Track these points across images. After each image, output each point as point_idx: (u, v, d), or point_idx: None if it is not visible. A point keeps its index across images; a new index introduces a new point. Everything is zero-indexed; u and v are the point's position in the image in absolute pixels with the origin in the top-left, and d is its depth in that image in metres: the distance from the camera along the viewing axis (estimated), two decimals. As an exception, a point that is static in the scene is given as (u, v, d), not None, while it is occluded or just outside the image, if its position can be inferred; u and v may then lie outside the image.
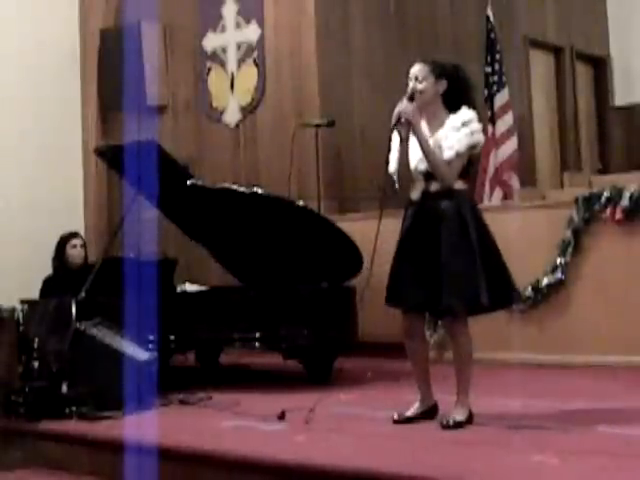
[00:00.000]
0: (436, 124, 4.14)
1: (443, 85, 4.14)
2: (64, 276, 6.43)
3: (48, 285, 6.46)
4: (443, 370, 4.33)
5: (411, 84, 4.13)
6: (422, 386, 4.26)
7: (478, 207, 4.25)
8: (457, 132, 4.06)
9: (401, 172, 4.13)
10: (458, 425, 4.03)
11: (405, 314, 4.19)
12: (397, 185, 4.18)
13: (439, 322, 6.09)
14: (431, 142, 4.08)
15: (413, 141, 4.11)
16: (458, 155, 4.05)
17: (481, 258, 4.05)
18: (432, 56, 4.35)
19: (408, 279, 4.07)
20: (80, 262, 6.62)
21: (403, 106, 4.06)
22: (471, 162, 4.16)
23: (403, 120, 4.04)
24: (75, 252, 6.55)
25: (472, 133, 4.08)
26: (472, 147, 4.10)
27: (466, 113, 4.11)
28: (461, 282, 4.00)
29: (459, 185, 4.11)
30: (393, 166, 4.15)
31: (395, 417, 4.20)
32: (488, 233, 4.18)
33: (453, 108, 4.14)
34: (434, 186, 4.10)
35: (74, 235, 6.74)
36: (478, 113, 4.15)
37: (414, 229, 4.11)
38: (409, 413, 4.22)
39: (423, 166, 4.10)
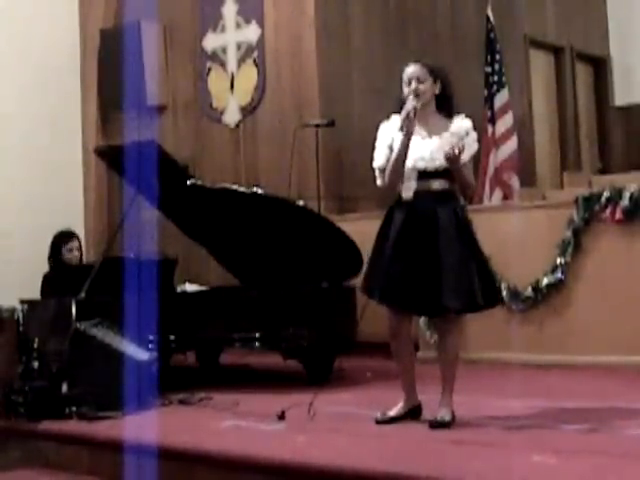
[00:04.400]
0: (431, 126, 4.17)
1: (438, 87, 4.19)
2: (63, 273, 6.41)
3: (48, 281, 6.44)
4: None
5: (413, 84, 4.14)
6: (406, 386, 4.29)
7: (466, 208, 4.31)
8: (461, 142, 4.09)
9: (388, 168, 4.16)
10: (447, 425, 4.05)
11: (393, 314, 4.21)
12: (381, 182, 4.21)
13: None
14: (435, 144, 4.11)
15: (397, 139, 4.14)
16: (464, 164, 4.11)
17: (475, 258, 4.11)
18: (424, 58, 4.37)
19: (403, 279, 4.08)
20: (76, 263, 6.60)
21: (414, 103, 4.09)
22: None
23: (412, 115, 4.06)
24: (71, 256, 6.53)
25: (473, 142, 4.19)
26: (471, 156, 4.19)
27: (466, 121, 4.19)
28: (459, 283, 4.03)
29: (452, 187, 4.15)
30: (380, 161, 4.20)
31: (378, 417, 4.22)
32: (474, 233, 4.26)
33: (443, 109, 4.21)
34: (428, 186, 4.13)
35: (69, 237, 6.64)
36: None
37: (408, 229, 4.12)
38: (392, 413, 4.24)
39: (422, 164, 4.12)
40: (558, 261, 5.81)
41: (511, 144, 8.23)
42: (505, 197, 8.02)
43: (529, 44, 9.60)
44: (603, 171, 10.18)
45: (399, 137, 4.12)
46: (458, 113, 4.22)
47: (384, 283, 4.13)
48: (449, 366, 4.17)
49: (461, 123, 4.18)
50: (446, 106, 4.21)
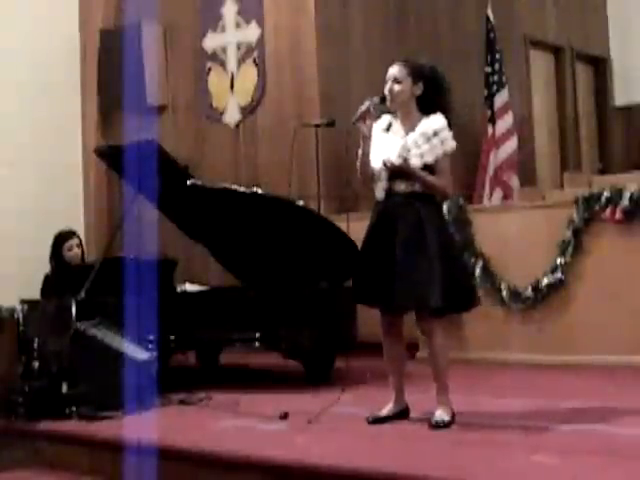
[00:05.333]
0: (409, 125, 4.19)
1: (420, 88, 4.18)
2: (63, 273, 6.40)
3: (49, 281, 6.44)
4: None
5: (388, 85, 4.18)
6: (396, 386, 4.30)
7: (442, 209, 4.31)
8: (428, 142, 4.10)
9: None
10: (447, 424, 4.05)
11: (383, 313, 4.26)
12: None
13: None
14: (401, 144, 4.13)
15: (376, 140, 4.17)
16: (427, 165, 4.11)
17: (439, 260, 4.06)
18: (412, 57, 4.39)
19: (368, 278, 4.16)
20: (78, 262, 6.59)
21: (366, 105, 4.14)
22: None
23: (358, 117, 4.12)
24: (72, 254, 6.50)
25: (443, 142, 4.13)
26: (444, 156, 4.14)
27: (437, 120, 4.15)
28: (412, 282, 4.04)
29: (423, 188, 4.14)
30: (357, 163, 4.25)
31: (369, 417, 4.23)
32: (450, 236, 4.30)
33: (427, 110, 4.18)
34: (397, 186, 4.15)
35: (70, 235, 6.64)
36: (449, 118, 4.18)
37: (376, 228, 4.20)
38: (382, 413, 4.26)
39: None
40: (558, 261, 5.81)
41: (511, 144, 8.24)
42: (505, 197, 8.03)
43: (529, 44, 9.59)
44: (603, 171, 10.18)
45: (381, 136, 4.18)
46: (439, 112, 4.17)
47: (357, 283, 4.27)
48: (438, 366, 4.16)
49: (430, 123, 4.14)
50: (430, 107, 4.18)
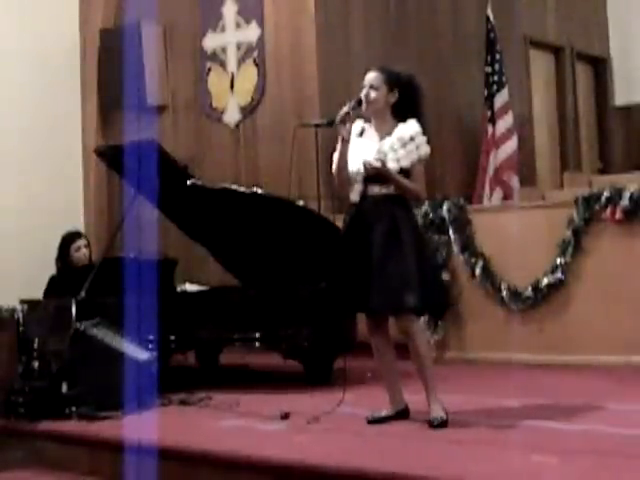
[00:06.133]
0: (383, 131, 4.22)
1: (395, 96, 4.23)
2: (69, 275, 6.40)
3: (53, 284, 6.43)
4: (441, 370, 4.33)
5: (365, 90, 4.22)
6: (390, 387, 4.33)
7: (414, 212, 4.35)
8: (404, 147, 4.15)
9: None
10: (445, 422, 4.06)
11: (367, 315, 4.30)
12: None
13: (439, 322, 6.11)
14: (377, 148, 4.16)
15: (354, 143, 4.22)
16: (402, 170, 4.15)
17: (415, 262, 4.10)
18: (388, 65, 4.43)
19: (346, 281, 4.16)
20: (85, 262, 6.57)
21: (345, 109, 4.18)
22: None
23: (339, 121, 4.17)
24: (80, 254, 6.48)
25: (418, 147, 4.18)
26: (418, 161, 4.19)
27: (413, 126, 4.19)
28: (388, 283, 4.06)
29: (396, 191, 4.17)
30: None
31: (368, 417, 4.25)
32: (423, 238, 4.38)
33: (402, 117, 4.23)
34: (372, 189, 4.18)
35: (77, 236, 6.62)
36: (423, 124, 4.22)
37: (351, 231, 4.21)
38: (383, 413, 4.28)
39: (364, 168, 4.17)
40: (558, 261, 5.81)
41: (511, 144, 8.23)
42: (505, 197, 8.02)
43: (529, 44, 9.59)
44: (603, 171, 10.18)
45: (357, 140, 4.21)
46: (413, 118, 4.22)
47: (337, 289, 4.26)
48: (422, 366, 4.18)
49: (406, 128, 4.19)
50: (404, 114, 4.22)
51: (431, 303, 4.21)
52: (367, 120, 4.29)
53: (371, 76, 4.24)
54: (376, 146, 4.18)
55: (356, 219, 4.21)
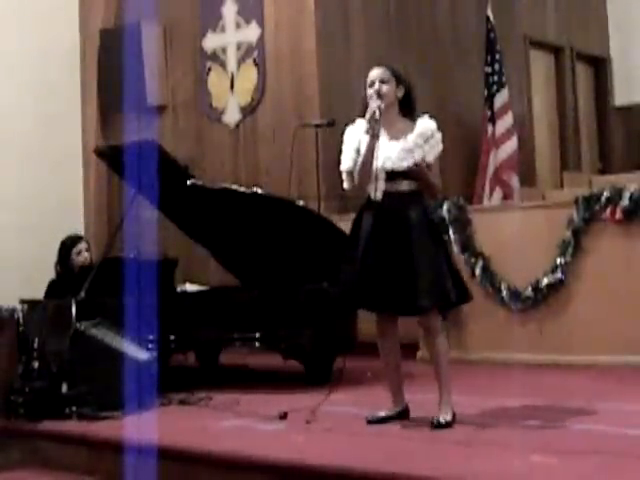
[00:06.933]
0: (395, 128, 4.21)
1: (402, 91, 4.25)
2: (69, 279, 6.38)
3: (54, 288, 6.42)
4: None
5: (376, 86, 4.20)
6: (393, 387, 4.31)
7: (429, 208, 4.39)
8: (427, 142, 4.17)
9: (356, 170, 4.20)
10: (448, 425, 4.05)
11: (379, 315, 4.26)
12: (348, 184, 4.25)
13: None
14: (401, 145, 4.14)
15: (362, 140, 4.19)
16: (428, 166, 4.16)
17: (444, 257, 4.17)
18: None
19: (375, 281, 4.10)
20: (87, 264, 6.54)
21: (378, 103, 4.14)
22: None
23: (377, 116, 4.10)
24: (81, 258, 6.45)
25: (438, 143, 4.21)
26: (438, 156, 4.22)
27: (431, 122, 4.23)
28: (433, 282, 4.07)
29: (420, 187, 4.19)
30: (348, 164, 4.24)
31: (368, 417, 4.24)
32: (441, 232, 4.39)
33: (406, 112, 4.25)
34: (396, 186, 4.16)
35: (78, 239, 6.57)
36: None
37: (379, 230, 4.15)
38: (383, 413, 4.27)
39: (389, 165, 4.15)
40: (558, 261, 5.81)
41: (511, 144, 8.23)
42: (505, 197, 8.02)
43: (529, 44, 9.59)
44: (603, 171, 10.18)
45: (365, 139, 4.17)
46: (421, 115, 4.24)
47: (357, 286, 4.16)
48: (440, 365, 4.18)
49: (426, 124, 4.21)
50: (409, 110, 4.26)
51: (462, 297, 4.22)
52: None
53: (378, 72, 4.23)
54: (388, 143, 4.15)
55: (381, 217, 4.15)
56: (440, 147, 4.22)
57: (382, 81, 4.19)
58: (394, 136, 4.18)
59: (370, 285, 4.11)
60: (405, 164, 4.13)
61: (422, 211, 4.17)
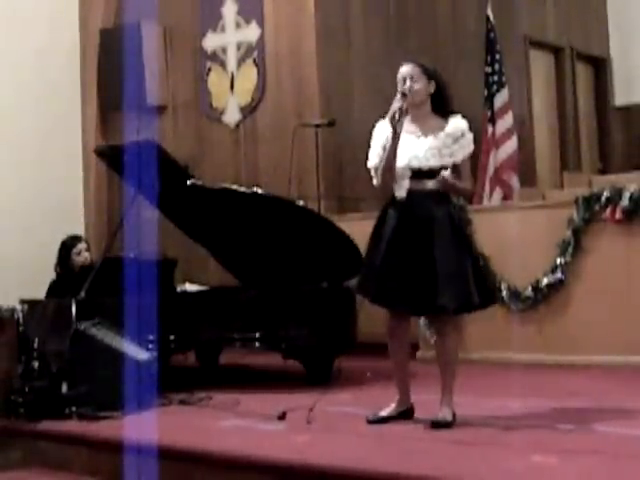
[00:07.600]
0: (426, 125, 4.18)
1: (433, 86, 4.20)
2: (69, 279, 6.38)
3: (55, 288, 6.41)
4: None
5: (407, 83, 4.15)
6: (400, 386, 4.29)
7: (466, 207, 4.33)
8: (456, 142, 4.15)
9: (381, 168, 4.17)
10: (449, 425, 4.05)
11: (391, 313, 4.22)
12: (376, 181, 4.22)
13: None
14: (430, 144, 4.11)
15: (404, 137, 4.14)
16: (456, 166, 4.14)
17: (470, 258, 4.12)
18: (424, 57, 4.40)
19: (397, 279, 4.07)
20: (88, 264, 6.54)
21: (399, 104, 4.10)
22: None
23: (397, 116, 4.08)
24: (81, 258, 6.46)
25: (469, 144, 4.19)
26: (468, 156, 4.21)
27: (462, 122, 4.20)
28: (455, 283, 4.04)
29: (443, 187, 4.16)
30: (374, 161, 4.21)
31: (369, 417, 4.23)
32: (470, 233, 4.26)
33: (439, 109, 4.22)
34: (422, 185, 4.13)
35: (78, 240, 6.58)
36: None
37: (403, 229, 4.11)
38: (384, 413, 4.25)
39: (416, 163, 4.12)
40: (558, 261, 5.81)
41: (511, 144, 8.23)
42: (505, 197, 8.02)
43: (529, 44, 9.59)
44: (603, 171, 10.18)
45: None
46: (455, 113, 4.22)
47: (378, 283, 4.13)
48: (448, 366, 4.17)
49: (457, 124, 4.18)
50: (442, 106, 4.22)
51: (486, 300, 4.19)
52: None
53: (407, 69, 4.18)
54: (417, 141, 4.13)
55: (406, 216, 4.11)
56: (471, 148, 4.19)
57: (412, 78, 4.14)
58: (424, 133, 4.16)
59: (390, 282, 4.07)
60: (432, 163, 4.10)
61: (447, 211, 4.12)
